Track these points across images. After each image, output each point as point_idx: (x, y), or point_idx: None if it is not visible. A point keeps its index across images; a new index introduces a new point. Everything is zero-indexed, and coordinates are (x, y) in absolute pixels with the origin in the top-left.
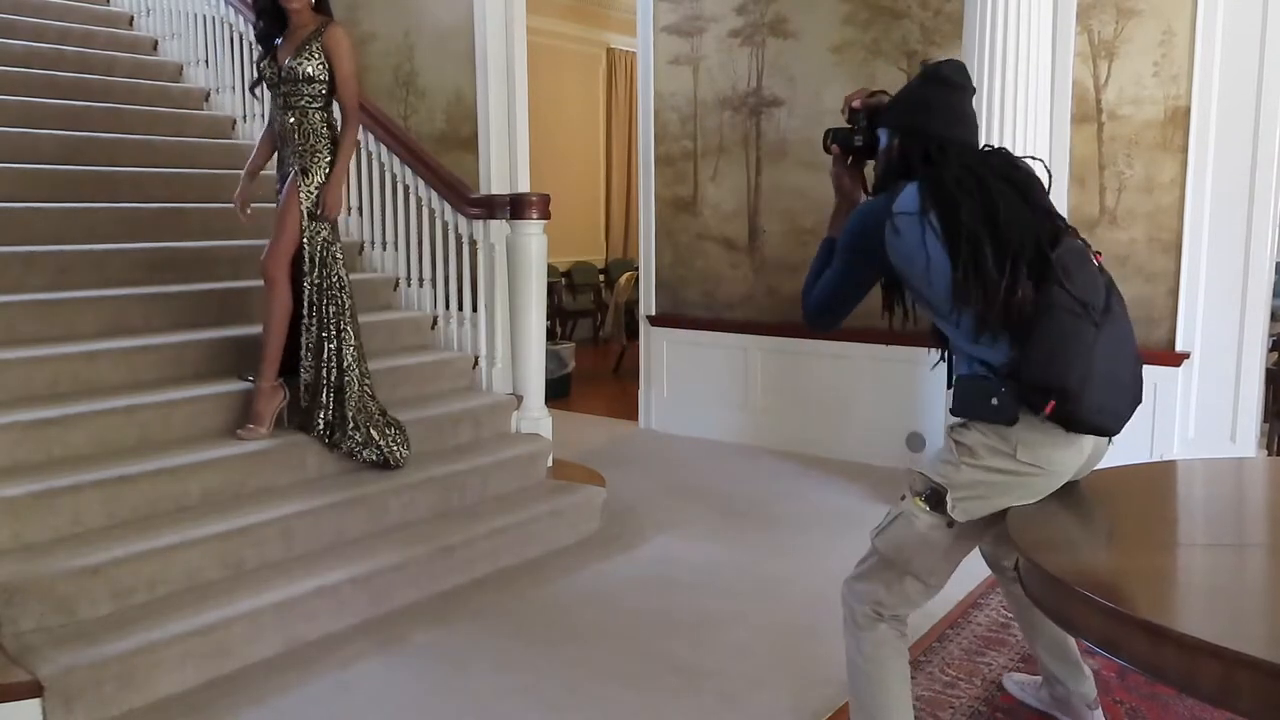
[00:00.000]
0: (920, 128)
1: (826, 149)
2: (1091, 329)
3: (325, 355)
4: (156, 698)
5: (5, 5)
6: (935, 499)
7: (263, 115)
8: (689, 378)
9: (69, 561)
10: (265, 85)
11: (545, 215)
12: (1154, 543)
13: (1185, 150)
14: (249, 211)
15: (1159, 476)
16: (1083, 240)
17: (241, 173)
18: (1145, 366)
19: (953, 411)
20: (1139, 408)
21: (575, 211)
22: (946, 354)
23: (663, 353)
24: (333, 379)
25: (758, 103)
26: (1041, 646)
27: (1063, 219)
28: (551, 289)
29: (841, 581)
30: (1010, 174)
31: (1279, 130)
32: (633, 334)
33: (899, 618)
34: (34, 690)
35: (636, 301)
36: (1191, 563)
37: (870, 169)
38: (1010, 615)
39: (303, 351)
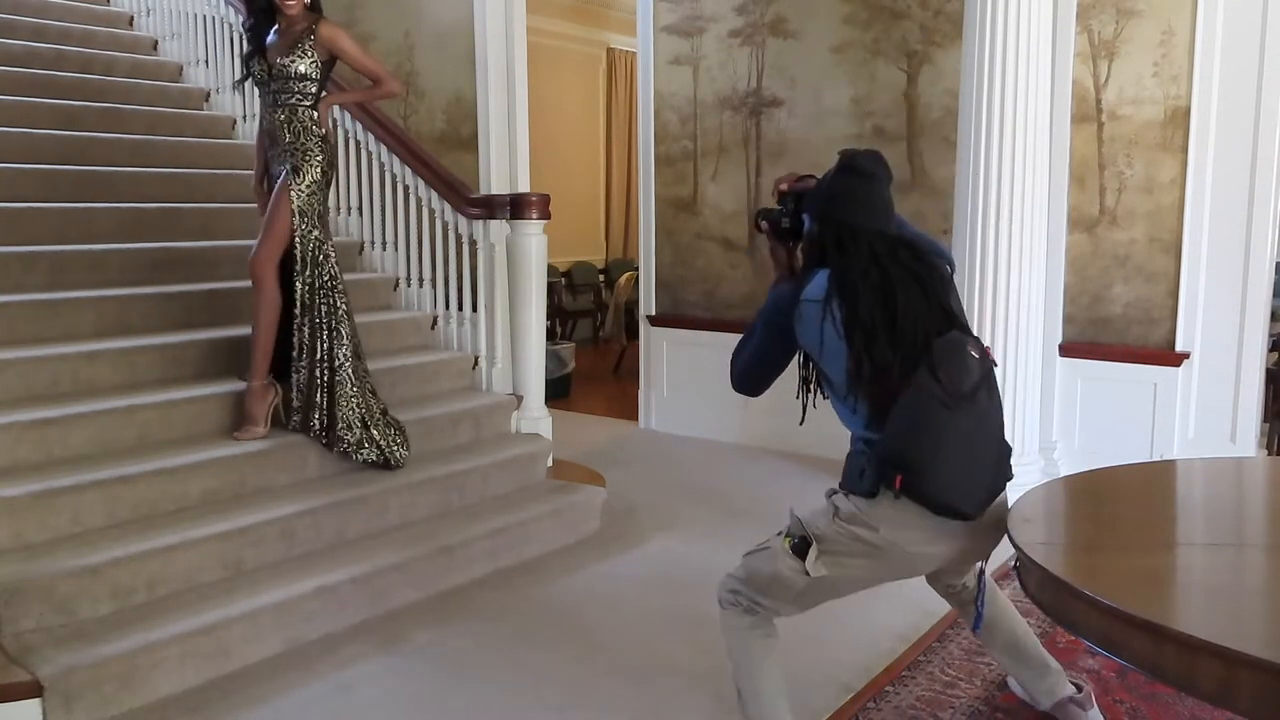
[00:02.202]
0: (832, 215)
1: (758, 228)
2: (944, 411)
3: (319, 355)
4: (156, 698)
5: (5, 5)
6: (802, 546)
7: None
8: (689, 378)
9: (69, 561)
10: (253, 82)
11: (545, 215)
12: (1154, 543)
13: (1185, 150)
14: None
15: (1159, 476)
16: (974, 337)
17: (250, 174)
18: (1145, 367)
19: (839, 485)
20: (1001, 493)
21: (575, 211)
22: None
23: (663, 353)
24: (325, 378)
25: (758, 103)
26: (998, 651)
27: (956, 313)
28: (551, 289)
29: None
30: (914, 267)
31: (1279, 130)
32: (633, 334)
33: (771, 611)
34: (34, 690)
35: (636, 301)
36: (1191, 562)
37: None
38: None
39: (295, 352)
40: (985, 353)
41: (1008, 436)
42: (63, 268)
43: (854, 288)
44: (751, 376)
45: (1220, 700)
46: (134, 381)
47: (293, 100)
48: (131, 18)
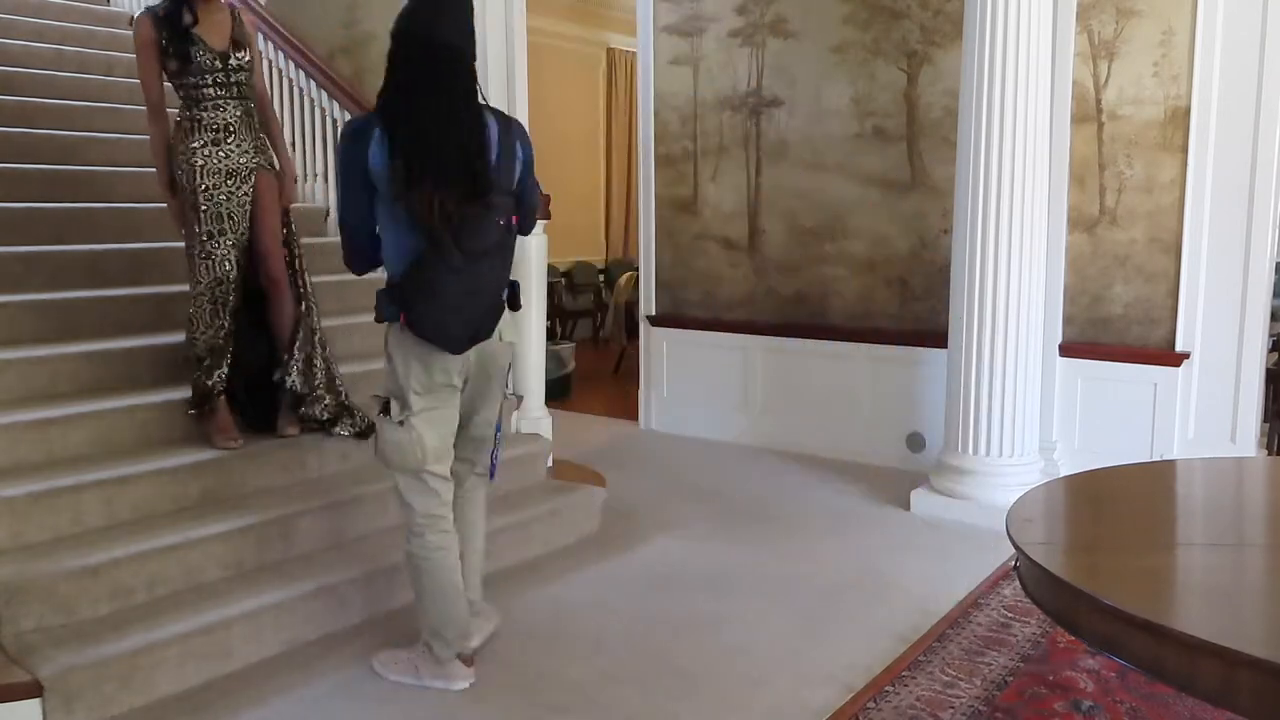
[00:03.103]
0: (405, 28)
1: None
2: (448, 273)
3: (304, 332)
4: (156, 698)
5: (5, 5)
6: (385, 406)
7: None
8: (689, 378)
9: (69, 561)
10: (196, 72)
11: (545, 215)
12: (1154, 543)
13: (1185, 150)
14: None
15: (1159, 476)
16: (510, 198)
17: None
18: (1145, 367)
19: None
20: (487, 340)
21: (575, 211)
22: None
23: (663, 353)
24: (323, 361)
25: (758, 103)
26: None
27: (486, 176)
28: (551, 289)
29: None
30: (460, 113)
31: (1279, 130)
32: (633, 334)
33: (438, 517)
34: (34, 690)
35: (636, 301)
36: (1191, 563)
37: None
38: (1010, 615)
39: (296, 343)
40: (512, 221)
41: (997, 431)
42: (63, 268)
43: (404, 111)
44: (352, 237)
45: (1220, 700)
46: (134, 381)
47: (246, 92)
48: (131, 18)
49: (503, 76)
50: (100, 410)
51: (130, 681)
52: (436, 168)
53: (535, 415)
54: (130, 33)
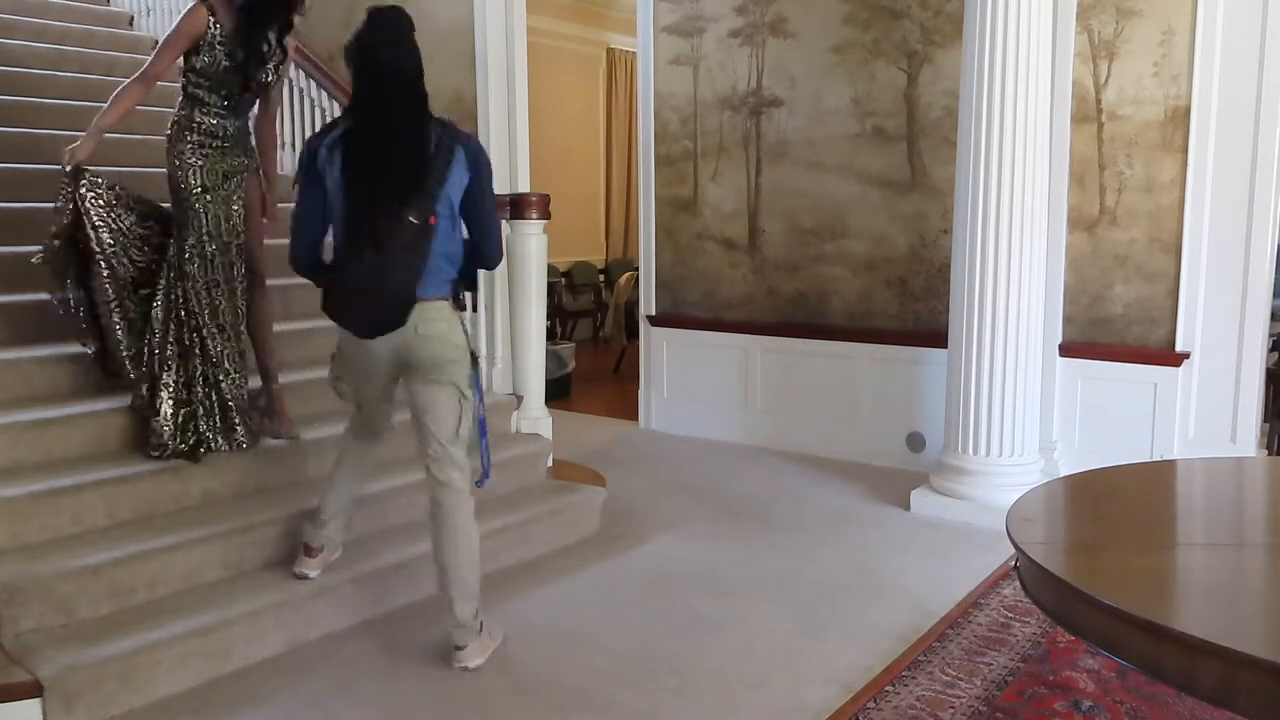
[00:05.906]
0: (358, 59)
1: None
2: (357, 264)
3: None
4: (156, 698)
5: (5, 5)
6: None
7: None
8: (689, 378)
9: (69, 561)
10: (238, 91)
11: (545, 215)
12: (1154, 543)
13: (1185, 150)
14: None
15: (1159, 476)
16: (429, 199)
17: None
18: (1145, 367)
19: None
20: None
21: (575, 211)
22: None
23: (663, 353)
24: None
25: (758, 103)
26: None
27: (408, 188)
28: (551, 289)
29: None
30: (385, 137)
31: (1279, 130)
32: (633, 334)
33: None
34: (34, 690)
35: (636, 301)
36: (1191, 562)
37: None
38: (1010, 615)
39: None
40: (429, 221)
41: (997, 431)
42: None
43: (354, 121)
44: (299, 238)
45: (1220, 700)
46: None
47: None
48: (131, 18)
49: (503, 76)
50: (100, 410)
51: (130, 681)
52: (365, 173)
53: (535, 415)
54: (125, 33)
